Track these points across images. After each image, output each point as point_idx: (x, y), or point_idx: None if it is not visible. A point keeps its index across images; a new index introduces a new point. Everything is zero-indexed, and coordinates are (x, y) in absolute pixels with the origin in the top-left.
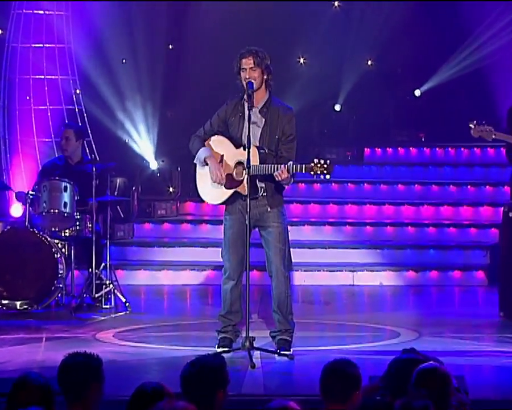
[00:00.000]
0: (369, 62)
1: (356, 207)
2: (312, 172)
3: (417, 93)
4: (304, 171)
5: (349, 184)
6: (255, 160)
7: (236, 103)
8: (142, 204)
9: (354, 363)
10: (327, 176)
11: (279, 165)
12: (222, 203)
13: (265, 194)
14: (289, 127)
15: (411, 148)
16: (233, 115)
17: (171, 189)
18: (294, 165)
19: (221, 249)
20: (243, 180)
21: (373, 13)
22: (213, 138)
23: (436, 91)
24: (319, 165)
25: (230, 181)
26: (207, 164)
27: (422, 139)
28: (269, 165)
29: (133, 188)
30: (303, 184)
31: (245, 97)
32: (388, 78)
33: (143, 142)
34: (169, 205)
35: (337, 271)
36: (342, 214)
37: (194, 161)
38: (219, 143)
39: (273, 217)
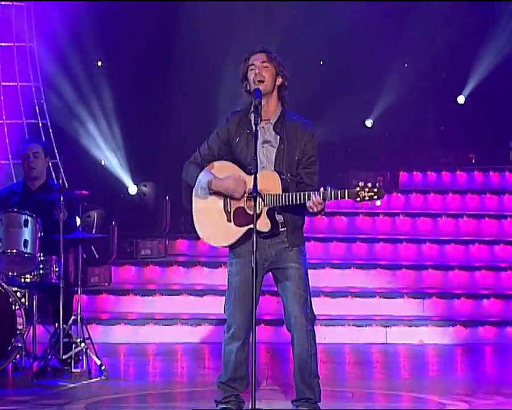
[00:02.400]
0: (405, 65)
1: (390, 246)
2: (358, 199)
3: (461, 99)
4: (347, 197)
5: (380, 216)
6: (276, 188)
7: (240, 118)
8: (122, 241)
9: None
10: (378, 203)
11: (311, 193)
12: (232, 244)
13: (284, 229)
14: (311, 147)
15: (458, 172)
16: (238, 135)
17: (158, 224)
18: (333, 191)
19: (224, 301)
20: (260, 213)
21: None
22: (215, 164)
23: (484, 96)
24: (366, 189)
25: (243, 217)
26: (212, 192)
27: (473, 161)
28: (297, 194)
29: (113, 222)
30: (323, 217)
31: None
32: (430, 84)
33: (121, 162)
34: (155, 244)
35: (365, 326)
36: (373, 254)
37: (194, 192)
38: (224, 170)
39: (293, 256)
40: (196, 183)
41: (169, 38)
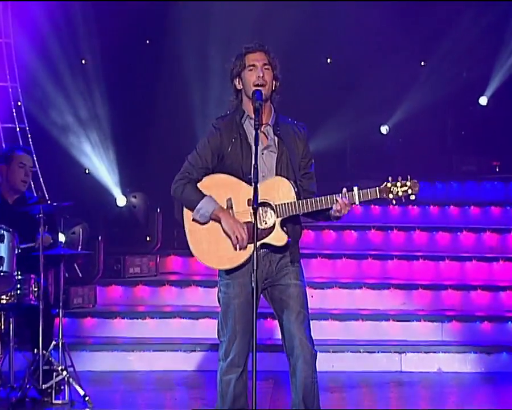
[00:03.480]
0: (422, 63)
1: (406, 263)
2: (391, 195)
3: (483, 100)
4: (378, 196)
5: (394, 231)
6: (288, 196)
7: (230, 123)
8: (108, 258)
9: None
10: (413, 197)
11: (334, 196)
12: (243, 263)
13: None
14: (308, 150)
15: (481, 182)
16: (229, 143)
17: (148, 239)
18: (361, 191)
19: (217, 325)
20: (273, 226)
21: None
22: (209, 178)
23: (509, 97)
24: (398, 183)
25: (251, 232)
26: (215, 221)
27: (497, 169)
28: (318, 199)
29: (99, 237)
30: (331, 231)
31: (247, 113)
32: (449, 84)
33: (108, 171)
34: (145, 261)
35: (378, 352)
36: (386, 273)
37: (193, 216)
38: (220, 184)
39: (295, 273)
40: (196, 209)
41: (161, 39)
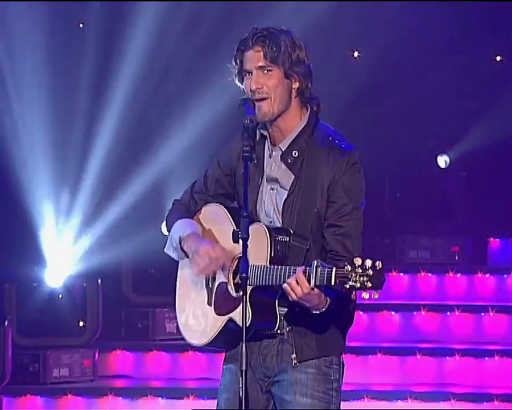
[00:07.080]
0: (498, 58)
1: (474, 361)
2: (347, 286)
3: None
4: (332, 281)
5: (456, 313)
6: (261, 257)
7: (251, 140)
8: (21, 355)
9: None
10: (375, 295)
11: (293, 269)
12: (212, 342)
13: (288, 329)
14: (346, 187)
15: None
16: (239, 163)
17: (82, 324)
18: (319, 269)
19: None
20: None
21: None
22: (204, 209)
23: None
24: (360, 270)
25: (224, 300)
26: (185, 254)
27: None
28: (278, 269)
29: (6, 323)
30: (360, 312)
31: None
32: None
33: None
34: (77, 358)
35: None
36: (443, 376)
37: (165, 250)
38: (206, 220)
39: (303, 381)
40: (168, 239)
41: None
